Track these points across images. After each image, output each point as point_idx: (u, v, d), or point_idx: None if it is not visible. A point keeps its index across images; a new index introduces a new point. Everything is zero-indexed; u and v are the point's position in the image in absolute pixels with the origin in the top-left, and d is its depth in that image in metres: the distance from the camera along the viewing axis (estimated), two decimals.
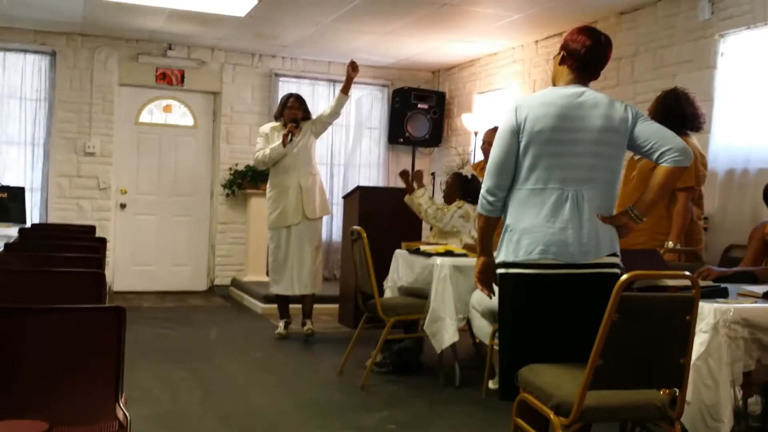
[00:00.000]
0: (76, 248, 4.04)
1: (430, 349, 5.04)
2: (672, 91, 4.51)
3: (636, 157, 4.33)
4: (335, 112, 6.23)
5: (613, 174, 2.91)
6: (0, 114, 8.08)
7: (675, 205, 4.27)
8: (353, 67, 6.08)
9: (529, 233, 2.83)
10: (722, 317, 2.92)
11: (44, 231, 5.68)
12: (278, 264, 6.31)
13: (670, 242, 4.23)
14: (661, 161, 2.83)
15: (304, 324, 6.30)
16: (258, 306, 7.67)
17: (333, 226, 9.09)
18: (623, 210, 2.91)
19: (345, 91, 6.18)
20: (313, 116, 6.36)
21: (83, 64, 8.33)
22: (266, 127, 6.41)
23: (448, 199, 5.70)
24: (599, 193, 2.85)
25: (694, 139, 4.45)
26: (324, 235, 6.63)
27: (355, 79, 6.19)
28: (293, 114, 6.24)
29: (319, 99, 9.07)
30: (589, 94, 2.88)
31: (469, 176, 5.68)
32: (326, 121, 6.27)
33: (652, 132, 2.86)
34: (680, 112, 4.34)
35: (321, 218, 6.38)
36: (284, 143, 6.10)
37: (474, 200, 5.63)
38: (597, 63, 2.94)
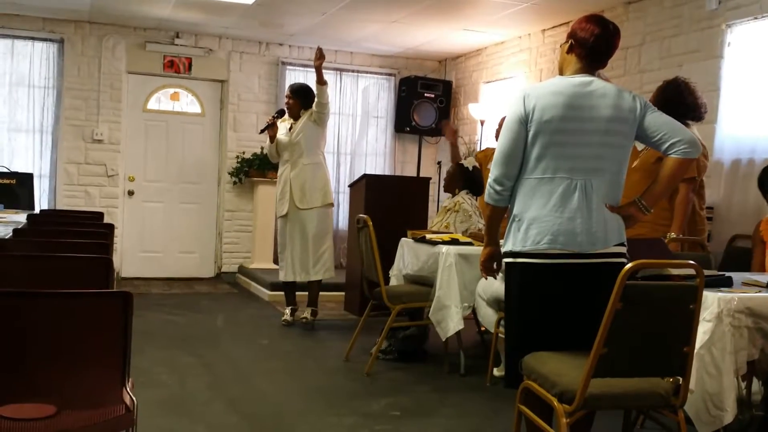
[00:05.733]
0: (84, 234, 4.05)
1: (435, 337, 5.07)
2: (673, 82, 4.49)
3: (639, 148, 4.33)
4: (320, 103, 6.23)
5: (620, 164, 2.90)
6: (9, 101, 8.11)
7: (677, 195, 4.27)
8: (317, 55, 6.12)
9: (537, 222, 2.83)
10: (726, 306, 2.93)
11: (52, 217, 5.70)
12: (281, 251, 6.43)
13: (673, 233, 4.23)
14: (670, 152, 2.82)
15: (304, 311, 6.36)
16: (265, 293, 7.71)
17: (339, 215, 9.12)
18: (631, 200, 2.91)
19: (318, 81, 6.18)
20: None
21: (91, 52, 8.35)
22: None
23: (448, 188, 5.73)
24: (607, 182, 2.85)
25: (695, 129, 4.45)
26: None
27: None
28: (285, 105, 6.42)
29: None
30: (598, 83, 2.87)
31: (470, 168, 5.69)
32: (318, 111, 6.26)
33: (661, 123, 2.85)
34: (681, 102, 4.33)
35: (324, 207, 6.35)
36: (270, 138, 6.31)
37: (473, 191, 5.66)
38: (605, 52, 2.92)
